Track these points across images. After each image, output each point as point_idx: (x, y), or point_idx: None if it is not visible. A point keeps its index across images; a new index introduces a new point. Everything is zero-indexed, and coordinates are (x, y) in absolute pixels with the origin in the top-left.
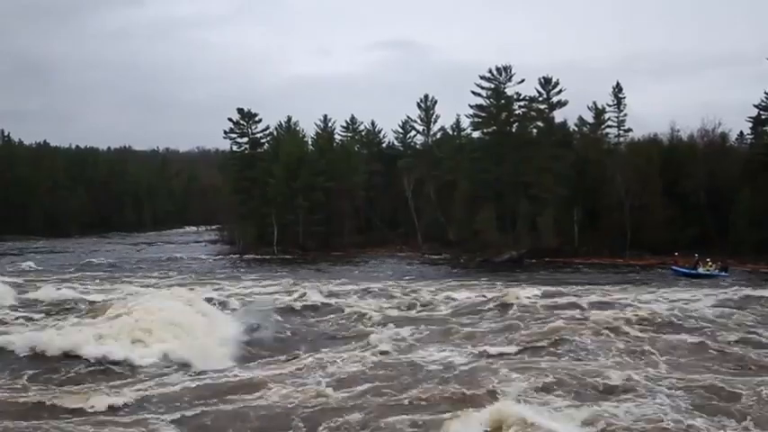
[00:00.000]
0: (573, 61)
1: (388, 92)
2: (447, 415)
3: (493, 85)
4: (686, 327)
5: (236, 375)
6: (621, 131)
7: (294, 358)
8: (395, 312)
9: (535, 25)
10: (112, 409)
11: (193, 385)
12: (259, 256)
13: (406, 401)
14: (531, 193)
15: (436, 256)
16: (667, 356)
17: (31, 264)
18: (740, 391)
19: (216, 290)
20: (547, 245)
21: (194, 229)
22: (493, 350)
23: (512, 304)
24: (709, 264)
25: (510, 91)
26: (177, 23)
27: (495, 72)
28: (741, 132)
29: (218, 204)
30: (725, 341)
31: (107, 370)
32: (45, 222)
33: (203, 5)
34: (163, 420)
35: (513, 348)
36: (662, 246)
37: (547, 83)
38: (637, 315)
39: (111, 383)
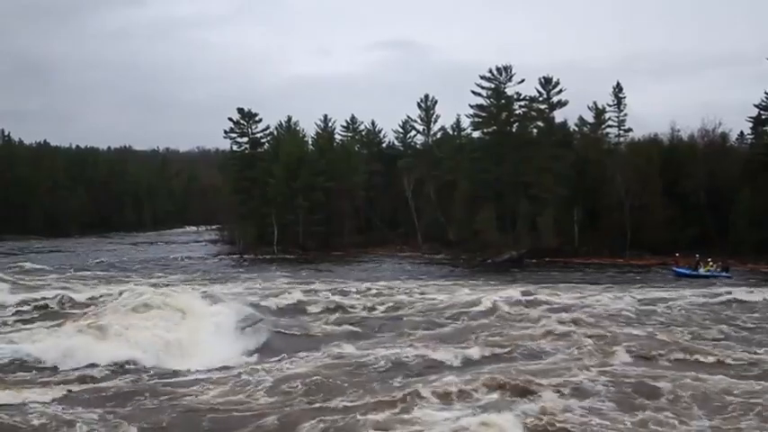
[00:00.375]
0: (573, 61)
1: (388, 92)
2: (362, 419)
3: (493, 85)
4: (640, 325)
5: (181, 374)
6: (621, 131)
7: (243, 361)
8: (360, 313)
9: (535, 25)
10: (43, 403)
11: (130, 382)
12: (259, 257)
13: (329, 405)
14: (532, 193)
15: (436, 256)
16: (610, 355)
17: (29, 264)
18: (662, 386)
19: (204, 290)
20: (547, 245)
21: (194, 228)
22: (437, 353)
23: (478, 306)
24: (710, 264)
25: (510, 91)
26: (177, 23)
27: (495, 72)
28: (741, 132)
29: (218, 204)
30: (674, 338)
31: (53, 368)
32: (45, 222)
33: (203, 5)
34: (87, 411)
35: (457, 351)
36: (662, 246)
37: (547, 83)
38: (597, 314)
39: (48, 379)
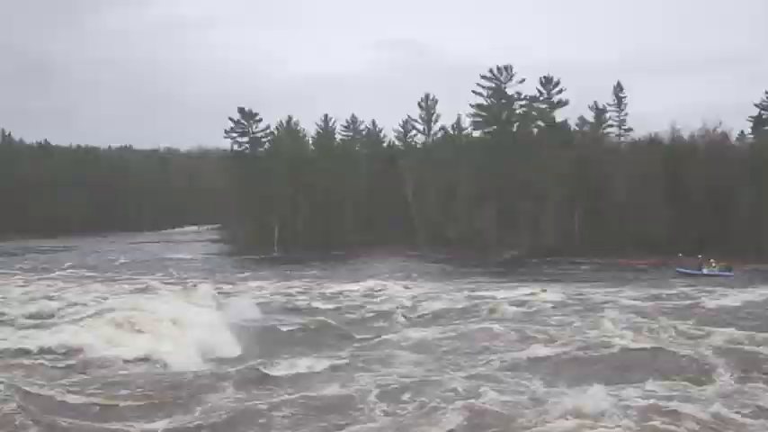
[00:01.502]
0: (573, 61)
1: (388, 92)
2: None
3: (494, 85)
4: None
5: (93, 367)
6: (622, 131)
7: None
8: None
9: (535, 25)
10: None
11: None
12: (259, 256)
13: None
14: (532, 192)
15: (437, 256)
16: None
17: (23, 265)
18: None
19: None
20: (548, 244)
21: (195, 228)
22: (306, 362)
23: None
24: (713, 264)
25: (511, 90)
26: (177, 23)
27: (495, 72)
28: (742, 132)
29: (218, 204)
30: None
31: None
32: (45, 222)
33: (204, 5)
34: None
35: (330, 359)
36: (663, 245)
37: (548, 82)
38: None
39: None
